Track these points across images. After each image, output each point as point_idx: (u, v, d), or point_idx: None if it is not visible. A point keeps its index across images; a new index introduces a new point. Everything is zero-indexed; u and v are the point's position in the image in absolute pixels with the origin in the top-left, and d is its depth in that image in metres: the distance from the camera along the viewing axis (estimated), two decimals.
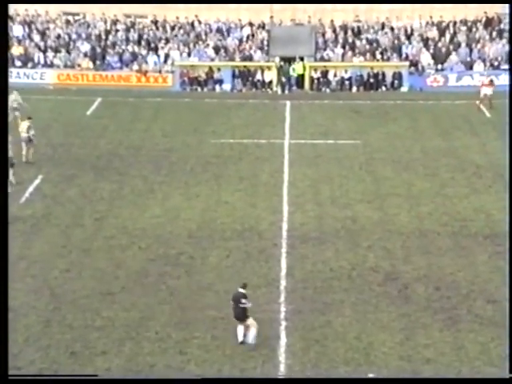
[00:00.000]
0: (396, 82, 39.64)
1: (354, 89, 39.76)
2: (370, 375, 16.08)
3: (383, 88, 39.72)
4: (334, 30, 41.83)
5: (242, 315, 17.45)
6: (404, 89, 39.66)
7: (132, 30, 42.42)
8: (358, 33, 41.68)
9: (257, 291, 19.84)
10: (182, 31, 42.11)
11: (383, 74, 39.73)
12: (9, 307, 18.78)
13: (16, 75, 40.19)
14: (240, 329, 17.52)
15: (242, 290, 17.67)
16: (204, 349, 17.46)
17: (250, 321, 17.49)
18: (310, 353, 17.27)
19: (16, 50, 41.19)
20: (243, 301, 17.43)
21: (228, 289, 19.96)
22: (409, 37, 41.50)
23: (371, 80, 39.68)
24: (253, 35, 41.71)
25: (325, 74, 39.93)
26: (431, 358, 17.16)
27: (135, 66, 40.36)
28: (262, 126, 33.60)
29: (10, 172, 23.77)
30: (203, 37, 41.84)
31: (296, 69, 39.45)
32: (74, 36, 42.15)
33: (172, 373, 16.54)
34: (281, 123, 33.87)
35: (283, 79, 39.47)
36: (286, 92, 39.31)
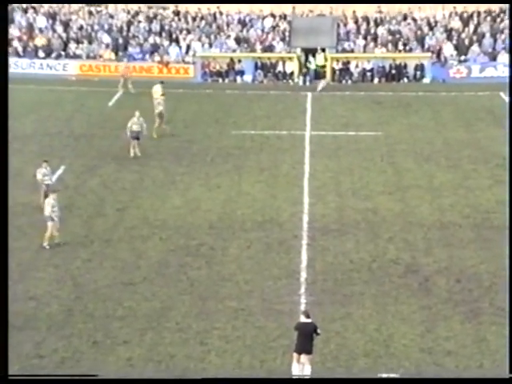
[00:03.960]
0: (418, 73, 39.38)
1: (376, 80, 39.56)
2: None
3: (405, 79, 39.50)
4: (356, 21, 41.61)
5: (310, 348, 15.74)
6: (426, 80, 39.39)
7: (154, 21, 42.51)
8: (380, 23, 41.43)
9: (277, 282, 19.88)
10: (203, 22, 42.12)
11: (405, 66, 39.49)
12: (32, 296, 19.13)
13: (39, 66, 40.49)
14: (296, 366, 15.79)
15: (310, 320, 15.87)
16: (224, 339, 17.52)
17: (311, 356, 15.81)
18: (330, 344, 17.27)
19: (39, 41, 41.47)
20: (319, 331, 15.84)
21: (248, 280, 20.05)
22: (432, 27, 41.18)
23: (393, 71, 39.46)
24: (274, 26, 41.62)
25: (346, 65, 39.76)
26: (452, 350, 17.09)
27: (157, 57, 40.45)
28: (283, 117, 33.56)
29: (134, 142, 28.40)
30: (225, 28, 41.83)
31: (317, 61, 39.33)
32: (96, 27, 42.35)
33: (192, 363, 16.64)
34: (302, 114, 33.80)
35: (304, 70, 39.44)
36: (308, 83, 39.22)
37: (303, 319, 16.08)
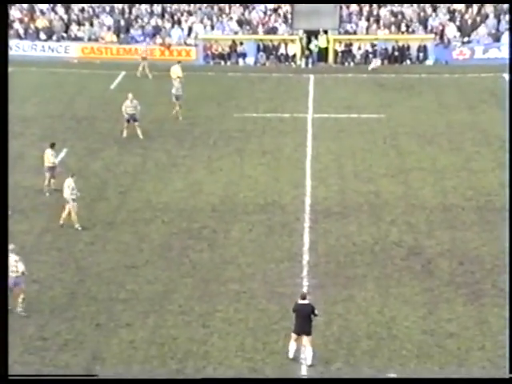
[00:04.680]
0: (421, 54, 39.16)
1: (379, 62, 39.34)
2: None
3: (408, 61, 39.29)
4: (359, 3, 41.29)
5: (309, 329, 16.01)
6: (429, 62, 39.16)
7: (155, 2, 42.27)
8: (382, 5, 41.12)
9: (279, 265, 19.92)
10: (205, 4, 41.87)
11: (408, 47, 39.27)
12: (35, 279, 19.19)
13: (41, 48, 40.35)
14: (293, 345, 16.13)
15: (307, 302, 16.16)
16: (227, 322, 17.59)
17: (311, 338, 16.11)
18: (332, 327, 17.33)
19: (40, 23, 41.30)
20: (316, 312, 16.15)
21: (250, 262, 20.09)
22: (435, 9, 40.92)
23: (396, 53, 39.26)
24: (276, 8, 41.36)
25: (349, 47, 39.55)
26: (454, 332, 17.16)
27: (159, 40, 40.27)
28: (286, 99, 33.44)
29: (127, 124, 28.47)
30: (227, 10, 41.60)
31: (319, 43, 39.13)
32: (97, 9, 42.15)
33: (195, 345, 16.71)
34: (304, 97, 33.68)
35: (306, 52, 39.27)
36: (310, 66, 39.05)
37: (300, 301, 16.22)
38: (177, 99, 30.89)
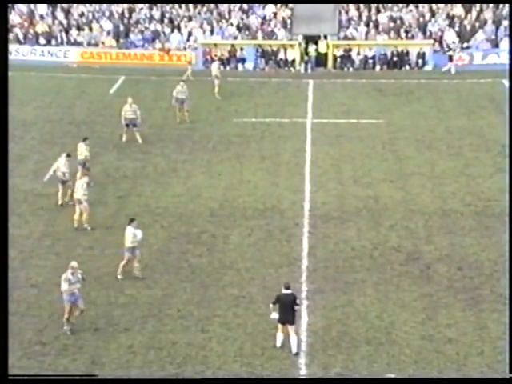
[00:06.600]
0: (420, 60, 39.23)
1: (378, 67, 39.44)
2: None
3: (407, 67, 39.36)
4: (358, 8, 41.42)
5: (293, 319, 16.41)
6: (428, 67, 39.23)
7: (155, 7, 42.35)
8: (381, 10, 41.20)
9: (278, 270, 19.92)
10: (204, 9, 41.95)
11: (407, 53, 39.35)
12: (33, 284, 19.18)
13: (40, 53, 40.40)
14: (280, 335, 16.54)
15: (290, 291, 16.53)
16: (225, 327, 17.59)
17: (295, 326, 16.51)
18: (331, 332, 17.33)
19: (40, 28, 41.35)
20: (298, 301, 16.63)
21: (249, 267, 20.09)
22: (434, 14, 41.00)
23: (395, 58, 39.33)
24: (276, 13, 41.43)
25: (348, 52, 39.61)
26: (453, 337, 17.15)
27: (158, 45, 40.32)
28: (285, 104, 33.48)
29: (127, 129, 28.39)
30: (226, 15, 41.66)
31: (318, 48, 39.19)
32: (97, 14, 42.20)
33: (193, 350, 16.70)
34: (303, 102, 33.72)
35: (305, 58, 39.33)
36: (309, 71, 39.10)
37: (284, 290, 16.45)
38: (179, 102, 30.53)
